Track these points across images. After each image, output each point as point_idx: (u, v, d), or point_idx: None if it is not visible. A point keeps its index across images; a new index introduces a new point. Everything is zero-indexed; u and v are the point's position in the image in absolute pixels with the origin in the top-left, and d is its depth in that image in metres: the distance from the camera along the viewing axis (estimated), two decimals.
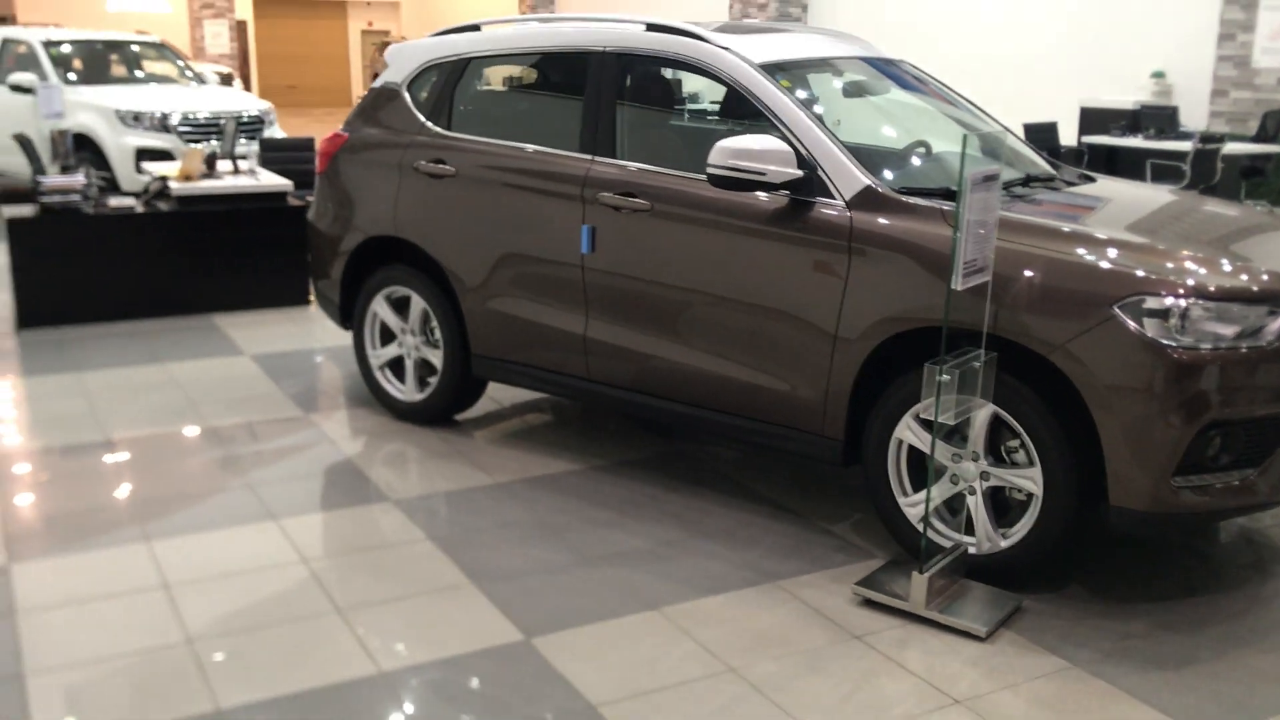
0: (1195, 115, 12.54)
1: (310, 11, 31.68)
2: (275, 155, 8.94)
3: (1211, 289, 3.40)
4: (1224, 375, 3.34)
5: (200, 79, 12.13)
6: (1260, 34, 11.97)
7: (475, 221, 4.80)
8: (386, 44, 28.56)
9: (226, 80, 16.69)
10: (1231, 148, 10.76)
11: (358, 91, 32.71)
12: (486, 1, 27.78)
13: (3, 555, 3.91)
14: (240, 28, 24.44)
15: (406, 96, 5.19)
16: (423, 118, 5.08)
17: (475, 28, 5.14)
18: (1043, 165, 4.64)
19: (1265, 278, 3.50)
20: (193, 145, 10.19)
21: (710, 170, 3.97)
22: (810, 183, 3.95)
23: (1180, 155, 10.63)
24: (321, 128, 23.09)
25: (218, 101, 10.85)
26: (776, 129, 4.08)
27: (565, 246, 4.54)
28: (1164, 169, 10.69)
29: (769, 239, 4.01)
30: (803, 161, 3.96)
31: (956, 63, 14.64)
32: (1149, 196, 4.42)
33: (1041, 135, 11.07)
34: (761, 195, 4.02)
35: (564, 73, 4.86)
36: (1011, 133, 4.86)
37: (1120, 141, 11.33)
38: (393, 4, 32.90)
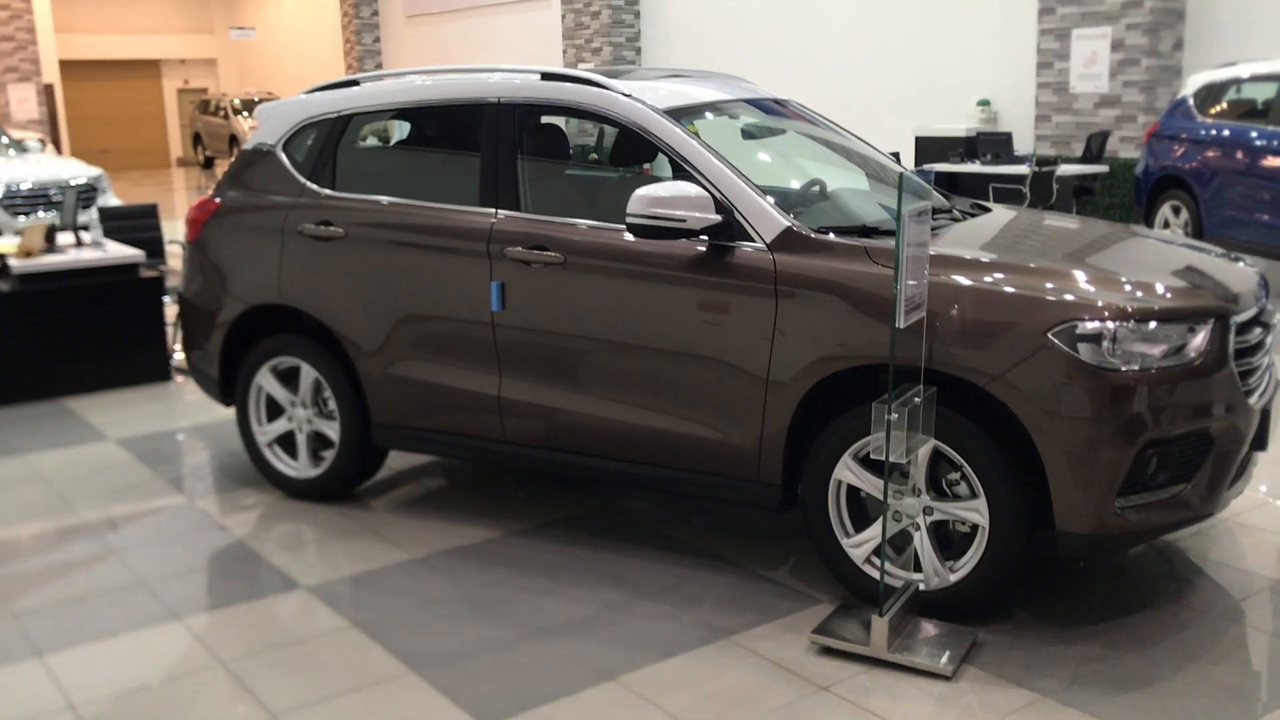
0: (1021, 140, 13.14)
1: (122, 72, 30.38)
2: (117, 224, 8.42)
3: (1132, 310, 3.46)
4: (1157, 394, 3.41)
5: (21, 147, 11.41)
6: (1075, 62, 12.63)
7: (370, 284, 4.57)
8: (206, 103, 27.57)
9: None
10: (1064, 169, 11.30)
11: (176, 153, 31.49)
12: (308, 59, 27.25)
13: None
14: (48, 91, 23.22)
15: (283, 157, 4.92)
16: (303, 179, 4.83)
17: (354, 83, 4.93)
18: (938, 198, 4.71)
19: (1181, 295, 3.59)
20: (34, 218, 9.58)
21: (630, 219, 3.87)
22: (730, 227, 3.89)
23: (1019, 179, 11.10)
24: (140, 191, 22.13)
25: (44, 170, 10.21)
26: (689, 175, 4.01)
27: (473, 305, 4.36)
28: (1004, 192, 11.13)
29: (691, 286, 3.93)
30: (719, 206, 3.90)
31: (790, 96, 14.99)
32: (1046, 222, 4.52)
33: None
34: (681, 242, 3.93)
35: (455, 126, 4.70)
36: (902, 166, 4.92)
37: (961, 168, 11.76)
38: (209, 61, 31.91)
